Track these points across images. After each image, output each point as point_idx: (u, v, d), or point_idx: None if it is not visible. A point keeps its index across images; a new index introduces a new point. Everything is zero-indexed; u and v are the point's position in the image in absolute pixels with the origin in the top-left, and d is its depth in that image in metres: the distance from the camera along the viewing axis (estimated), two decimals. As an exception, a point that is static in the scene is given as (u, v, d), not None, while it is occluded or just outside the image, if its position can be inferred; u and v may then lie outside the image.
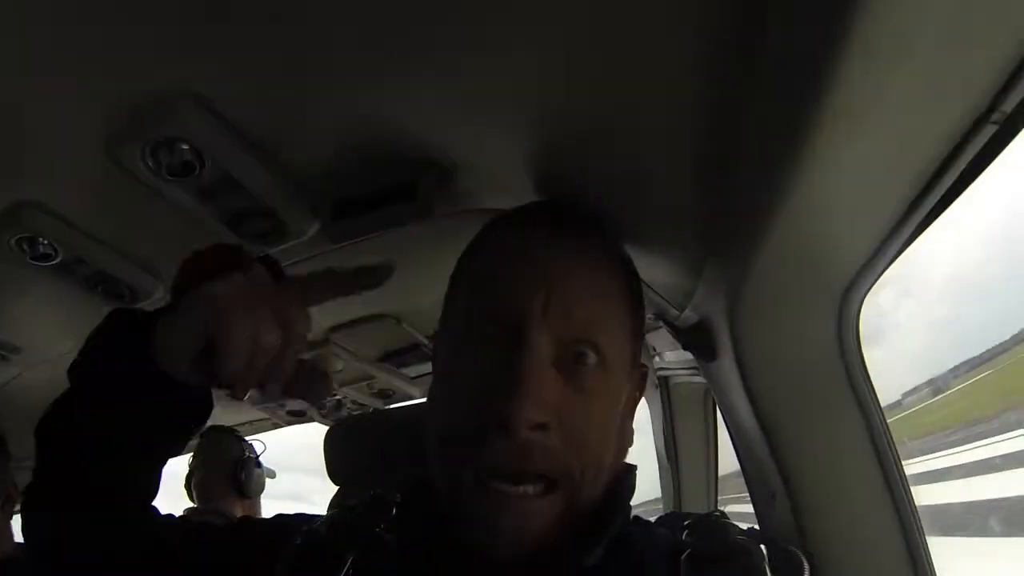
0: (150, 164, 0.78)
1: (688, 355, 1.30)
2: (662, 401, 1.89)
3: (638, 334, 0.75)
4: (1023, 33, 0.50)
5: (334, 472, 1.48)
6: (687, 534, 0.70)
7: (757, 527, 0.93)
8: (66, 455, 0.68)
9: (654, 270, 0.95)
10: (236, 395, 0.65)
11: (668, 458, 1.97)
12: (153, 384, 0.65)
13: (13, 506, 1.46)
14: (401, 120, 0.77)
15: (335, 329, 1.45)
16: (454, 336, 0.71)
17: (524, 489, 0.61)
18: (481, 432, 0.61)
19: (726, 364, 0.91)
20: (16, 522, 1.47)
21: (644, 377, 0.77)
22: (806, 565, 0.64)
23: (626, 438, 0.73)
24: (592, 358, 0.65)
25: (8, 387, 1.51)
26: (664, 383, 1.85)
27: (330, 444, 1.49)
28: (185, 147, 0.76)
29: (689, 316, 0.99)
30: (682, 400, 1.87)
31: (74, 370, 0.70)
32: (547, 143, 0.79)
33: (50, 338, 1.32)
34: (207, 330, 0.60)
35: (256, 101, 0.73)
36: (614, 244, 0.77)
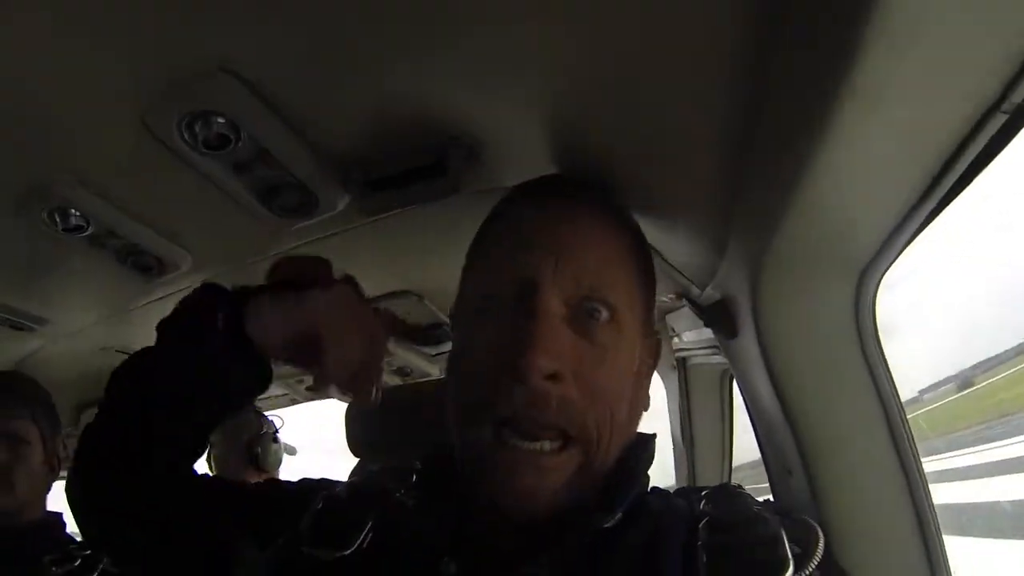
0: (185, 137, 0.79)
1: (707, 335, 1.30)
2: (679, 382, 1.89)
3: (649, 301, 0.77)
4: None
5: (355, 446, 1.49)
6: (705, 503, 0.72)
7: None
8: (138, 399, 0.74)
9: (678, 248, 0.96)
10: (318, 391, 0.74)
11: (684, 439, 1.97)
12: (238, 351, 0.72)
13: (55, 475, 1.49)
14: (431, 97, 0.78)
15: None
16: (471, 304, 0.73)
17: (540, 445, 0.63)
18: (497, 386, 0.63)
19: (747, 341, 0.92)
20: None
21: (658, 346, 0.79)
22: (821, 535, 0.65)
23: (641, 403, 0.74)
24: (603, 314, 0.67)
25: (31, 359, 1.54)
26: (682, 364, 1.85)
27: (351, 419, 1.51)
28: (221, 120, 0.77)
29: (711, 294, 1.00)
30: (699, 381, 1.87)
31: (164, 327, 0.77)
32: (574, 121, 0.79)
33: (76, 310, 1.35)
34: (315, 330, 0.70)
35: (291, 76, 0.74)
36: (623, 214, 0.79)
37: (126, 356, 0.76)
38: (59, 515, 1.46)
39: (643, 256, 0.77)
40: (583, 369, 0.64)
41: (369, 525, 0.72)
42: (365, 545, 0.70)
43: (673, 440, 2.09)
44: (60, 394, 1.57)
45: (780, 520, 0.65)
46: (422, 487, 0.77)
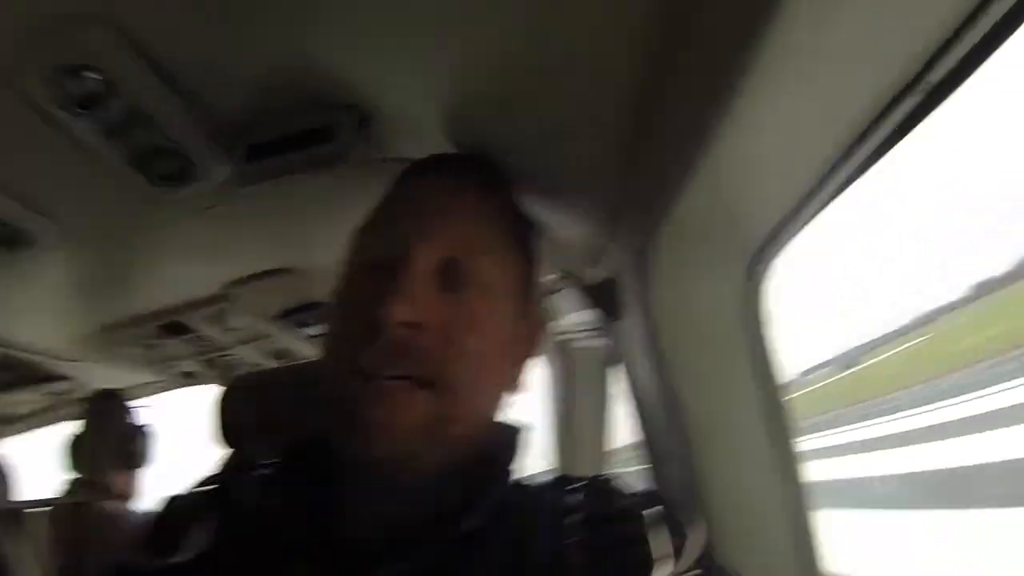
0: (54, 93, 0.74)
1: (589, 318, 1.32)
2: (559, 366, 1.90)
3: (529, 284, 0.76)
4: (951, 5, 0.52)
5: (224, 435, 1.36)
6: (575, 496, 0.70)
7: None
8: None
9: (567, 226, 0.97)
10: None
11: (562, 424, 1.99)
12: None
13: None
14: (321, 61, 0.77)
15: (232, 284, 1.41)
16: (343, 281, 0.72)
17: (400, 383, 0.62)
18: (359, 340, 0.62)
19: (632, 323, 0.93)
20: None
21: (539, 332, 0.78)
22: (695, 530, 0.65)
23: (509, 384, 0.74)
24: (468, 276, 0.67)
25: None
26: (562, 347, 1.85)
27: (223, 405, 1.37)
28: (94, 76, 0.73)
29: (598, 274, 1.01)
30: (580, 365, 1.87)
31: None
32: (467, 93, 0.79)
33: None
34: None
35: (174, 32, 0.71)
36: (505, 190, 0.79)
37: None
38: None
39: (524, 235, 0.77)
40: (444, 321, 0.64)
41: (214, 526, 0.68)
42: (208, 549, 0.67)
43: (552, 423, 2.10)
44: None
45: (653, 514, 0.65)
46: (277, 483, 0.73)
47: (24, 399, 1.97)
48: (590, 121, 0.78)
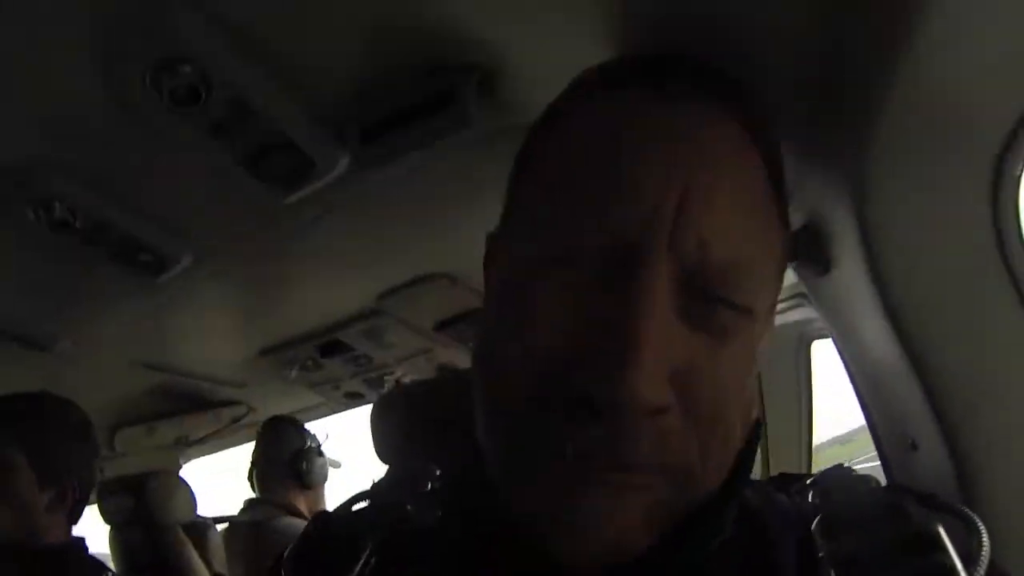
0: (152, 91, 0.70)
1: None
2: None
3: (785, 253, 0.51)
4: None
5: (381, 450, 1.28)
6: (813, 495, 0.51)
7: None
8: None
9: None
10: None
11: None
12: None
13: (71, 504, 1.32)
14: (431, 20, 0.67)
15: (384, 296, 1.35)
16: (515, 266, 0.46)
17: (619, 477, 0.40)
18: (561, 417, 0.39)
19: (849, 275, 0.74)
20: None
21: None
22: (983, 530, 0.47)
23: (755, 394, 0.50)
24: (733, 305, 0.42)
25: (60, 383, 1.38)
26: None
27: (376, 419, 1.30)
28: (188, 68, 0.69)
29: (793, 219, 0.79)
30: (771, 346, 1.49)
31: None
32: (627, 43, 0.64)
33: (84, 321, 1.29)
34: None
35: (265, 7, 0.65)
36: (759, 116, 0.49)
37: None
38: (80, 540, 1.34)
39: (780, 182, 0.50)
40: (696, 389, 0.40)
41: (368, 550, 0.53)
42: (376, 566, 0.53)
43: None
44: (95, 416, 1.45)
45: (927, 512, 0.45)
46: (441, 501, 0.57)
47: (199, 423, 2.06)
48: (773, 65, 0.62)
